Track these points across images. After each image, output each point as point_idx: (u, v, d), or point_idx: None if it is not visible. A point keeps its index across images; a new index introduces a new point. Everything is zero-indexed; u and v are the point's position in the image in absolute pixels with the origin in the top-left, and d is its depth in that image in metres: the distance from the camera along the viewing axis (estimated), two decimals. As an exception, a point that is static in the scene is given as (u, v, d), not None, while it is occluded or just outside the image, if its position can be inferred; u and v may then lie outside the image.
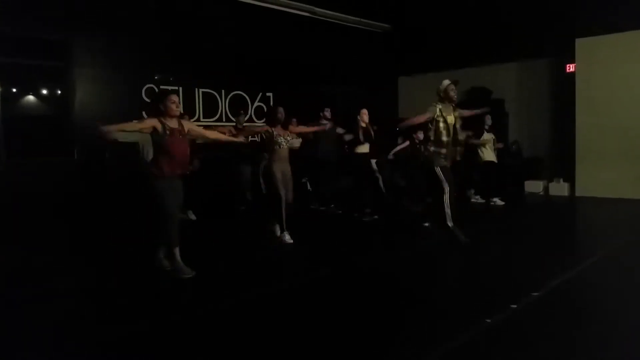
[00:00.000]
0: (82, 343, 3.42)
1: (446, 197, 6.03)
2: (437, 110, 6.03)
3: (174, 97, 4.71)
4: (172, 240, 4.71)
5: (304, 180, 9.30)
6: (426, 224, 6.98)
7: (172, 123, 4.69)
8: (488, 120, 9.33)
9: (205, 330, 3.56)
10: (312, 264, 5.53)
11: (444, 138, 6.04)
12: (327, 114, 8.66)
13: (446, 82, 6.17)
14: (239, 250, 6.11)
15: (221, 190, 9.04)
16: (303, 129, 7.55)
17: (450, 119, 6.08)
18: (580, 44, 10.12)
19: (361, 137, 7.78)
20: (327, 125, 8.38)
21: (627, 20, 9.42)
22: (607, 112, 9.82)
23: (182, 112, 6.08)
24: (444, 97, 6.11)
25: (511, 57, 11.38)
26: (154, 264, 4.86)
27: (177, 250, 4.74)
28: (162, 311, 3.98)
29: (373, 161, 8.29)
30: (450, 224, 5.95)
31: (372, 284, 4.67)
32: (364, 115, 7.89)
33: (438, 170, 6.03)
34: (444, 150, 6.06)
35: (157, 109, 4.70)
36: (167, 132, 4.61)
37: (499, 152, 9.53)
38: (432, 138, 6.06)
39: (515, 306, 3.81)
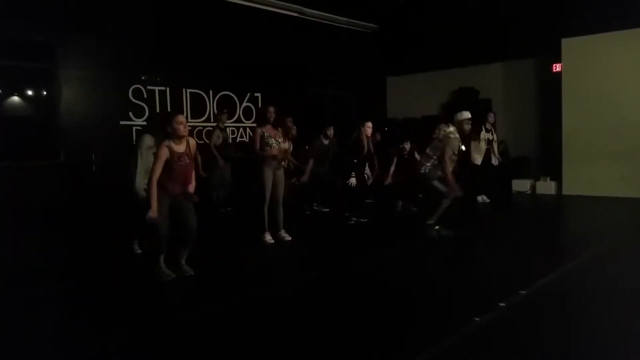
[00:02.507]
0: (71, 351, 3.38)
1: (443, 204, 6.10)
2: (457, 141, 6.05)
3: (181, 118, 4.66)
4: (159, 250, 4.77)
5: (294, 180, 9.22)
6: (437, 227, 6.36)
7: (180, 146, 4.66)
8: (490, 118, 9.30)
9: (197, 334, 3.54)
10: (302, 265, 5.51)
11: (451, 167, 6.11)
12: (330, 132, 8.18)
13: (466, 114, 6.16)
14: (227, 252, 6.08)
15: (207, 191, 8.99)
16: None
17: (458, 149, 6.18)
18: (566, 43, 10.21)
19: (364, 149, 7.59)
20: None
21: (613, 20, 9.52)
22: (593, 111, 9.92)
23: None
24: (458, 129, 6.13)
25: (498, 57, 11.47)
26: (157, 273, 4.80)
27: (161, 257, 4.80)
28: (152, 316, 3.95)
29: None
30: (431, 221, 6.17)
31: (360, 285, 4.67)
32: (368, 128, 7.60)
33: (436, 183, 6.11)
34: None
35: (165, 131, 4.66)
36: (176, 158, 4.61)
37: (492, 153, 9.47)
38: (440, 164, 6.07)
39: (503, 304, 3.83)
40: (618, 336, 3.32)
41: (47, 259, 5.98)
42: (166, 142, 4.59)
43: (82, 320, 3.89)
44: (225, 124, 9.09)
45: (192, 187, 4.83)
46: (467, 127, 6.15)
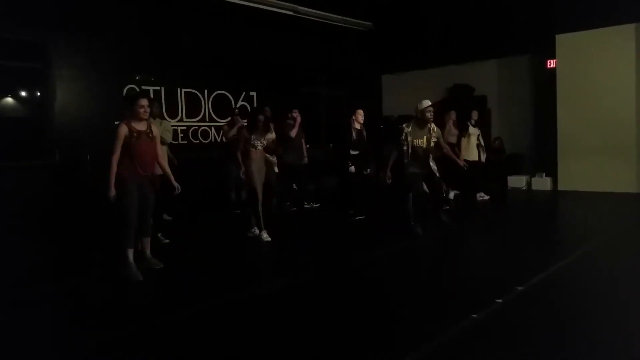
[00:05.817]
0: (70, 351, 3.37)
1: (409, 204, 6.25)
2: (404, 135, 6.20)
3: (143, 102, 4.78)
4: (127, 242, 4.73)
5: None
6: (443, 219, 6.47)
7: (141, 126, 4.77)
8: (474, 115, 9.33)
9: (187, 333, 3.53)
10: (295, 264, 5.50)
11: (407, 160, 6.21)
12: (296, 114, 8.21)
13: (425, 102, 6.24)
14: (222, 251, 6.07)
15: (209, 190, 8.95)
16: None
17: (418, 142, 6.21)
18: (561, 39, 10.24)
19: (354, 137, 7.57)
20: (293, 131, 8.06)
21: (607, 16, 9.54)
22: (587, 107, 9.95)
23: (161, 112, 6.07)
24: (420, 118, 6.18)
25: (493, 54, 11.48)
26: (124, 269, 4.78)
27: (130, 253, 4.75)
28: (146, 315, 3.94)
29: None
30: (411, 222, 6.30)
31: (357, 282, 4.67)
32: (359, 115, 7.63)
33: (407, 177, 6.24)
34: (412, 168, 6.25)
35: (129, 110, 4.78)
36: (135, 134, 4.69)
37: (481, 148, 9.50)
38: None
39: (500, 300, 3.83)
40: (613, 331, 3.33)
41: (42, 259, 5.95)
42: (125, 121, 4.71)
43: (75, 320, 3.87)
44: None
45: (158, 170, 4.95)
46: (429, 115, 6.18)
